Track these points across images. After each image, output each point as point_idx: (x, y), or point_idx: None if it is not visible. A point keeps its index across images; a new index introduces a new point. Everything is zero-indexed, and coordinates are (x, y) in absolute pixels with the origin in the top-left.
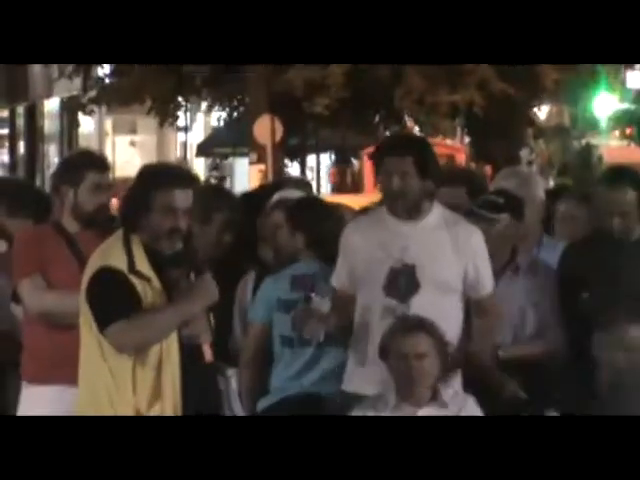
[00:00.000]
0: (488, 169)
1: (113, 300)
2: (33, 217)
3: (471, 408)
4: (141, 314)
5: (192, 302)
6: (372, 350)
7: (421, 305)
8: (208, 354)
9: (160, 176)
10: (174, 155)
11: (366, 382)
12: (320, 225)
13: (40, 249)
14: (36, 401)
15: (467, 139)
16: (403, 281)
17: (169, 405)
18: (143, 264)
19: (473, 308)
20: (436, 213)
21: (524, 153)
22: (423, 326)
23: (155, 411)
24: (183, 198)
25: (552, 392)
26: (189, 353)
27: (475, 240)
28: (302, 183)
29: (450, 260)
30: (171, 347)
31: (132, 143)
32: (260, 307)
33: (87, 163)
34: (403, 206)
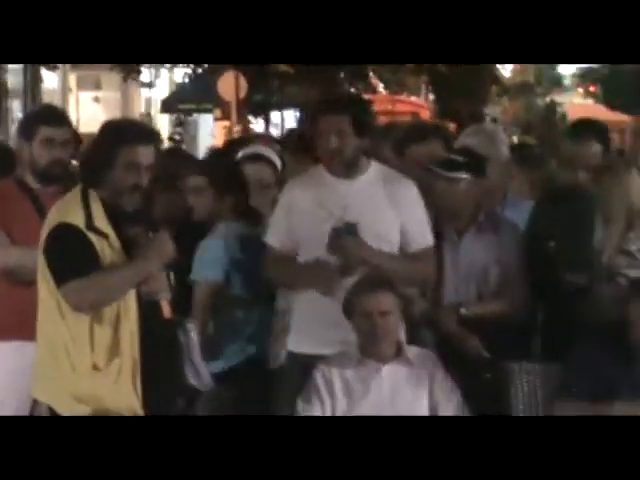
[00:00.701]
0: (452, 127)
1: (70, 257)
2: None
3: (434, 365)
4: (98, 272)
5: (149, 260)
6: (319, 309)
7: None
8: (167, 310)
9: (123, 132)
10: (138, 111)
11: (313, 342)
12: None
13: (2, 205)
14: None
15: (432, 96)
16: (346, 239)
17: (127, 361)
18: (101, 221)
19: (411, 257)
20: (373, 170)
21: (489, 110)
22: (387, 283)
23: (114, 366)
24: (146, 154)
25: (514, 349)
26: (148, 309)
27: (411, 194)
28: (269, 139)
29: (389, 215)
30: (129, 304)
31: (96, 99)
32: (209, 266)
33: (42, 118)
34: (340, 164)
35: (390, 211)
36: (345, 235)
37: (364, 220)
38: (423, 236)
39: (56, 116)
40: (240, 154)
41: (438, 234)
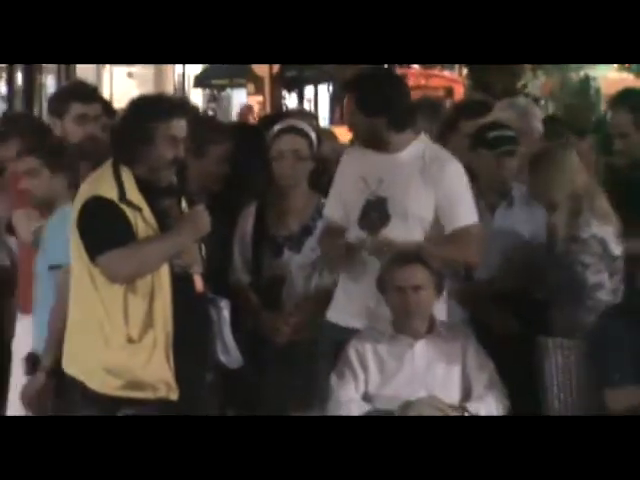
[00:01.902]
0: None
1: (104, 229)
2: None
3: (467, 341)
4: (133, 244)
5: (184, 234)
6: (351, 282)
7: (390, 237)
8: (200, 284)
9: (158, 107)
10: (171, 87)
11: (348, 314)
12: None
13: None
14: (30, 331)
15: (465, 71)
16: (375, 214)
17: (161, 334)
18: (134, 194)
19: (448, 238)
20: (416, 146)
21: (527, 85)
22: (419, 258)
23: (148, 339)
24: (180, 127)
25: (547, 324)
26: (181, 283)
27: (451, 172)
28: (305, 114)
29: (422, 193)
30: (162, 277)
31: (130, 75)
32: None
33: (73, 94)
34: (366, 140)
35: (425, 189)
36: (374, 210)
37: (395, 196)
38: (463, 215)
39: (87, 92)
40: (276, 127)
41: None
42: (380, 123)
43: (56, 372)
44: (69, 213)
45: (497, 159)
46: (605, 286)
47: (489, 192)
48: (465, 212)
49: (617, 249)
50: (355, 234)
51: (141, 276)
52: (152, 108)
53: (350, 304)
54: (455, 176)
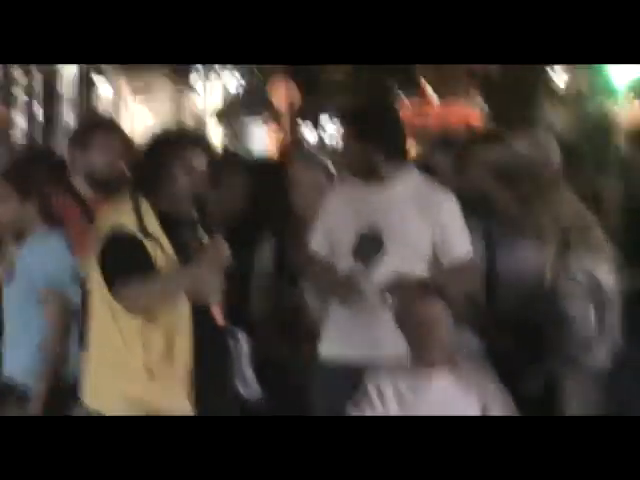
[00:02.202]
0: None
1: (123, 260)
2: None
3: (484, 372)
4: (151, 276)
5: (204, 265)
6: (346, 313)
7: (386, 270)
8: (219, 316)
9: (178, 140)
10: (191, 119)
11: (343, 345)
12: None
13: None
14: None
15: (483, 103)
16: (370, 246)
17: (180, 366)
18: (153, 226)
19: (447, 274)
20: (409, 178)
21: (547, 116)
22: (437, 291)
23: (167, 372)
24: (200, 160)
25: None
26: (200, 315)
27: (446, 204)
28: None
29: (418, 224)
30: (182, 308)
31: (149, 107)
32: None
33: (98, 126)
34: (360, 171)
35: (421, 222)
36: (369, 242)
37: (391, 228)
38: (459, 247)
39: (112, 124)
40: (295, 159)
41: (491, 241)
42: (376, 153)
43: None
44: (45, 238)
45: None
46: (590, 320)
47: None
48: (461, 244)
49: (609, 281)
50: (349, 267)
51: (158, 307)
52: (171, 141)
53: (346, 335)
54: (452, 211)
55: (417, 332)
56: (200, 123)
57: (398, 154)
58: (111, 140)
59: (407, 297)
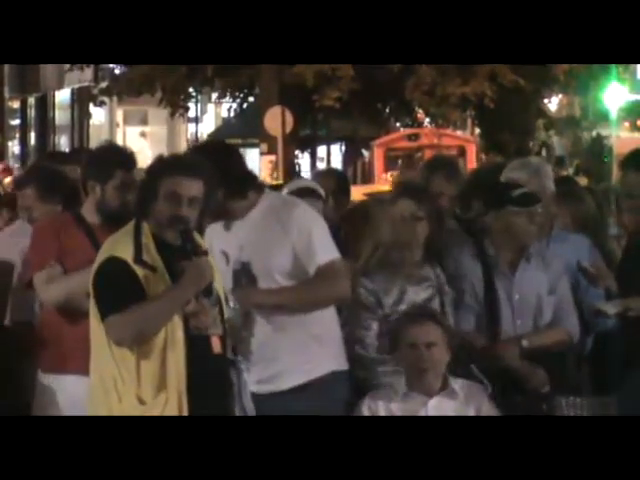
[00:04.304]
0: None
1: (113, 291)
2: (62, 204)
3: (481, 398)
4: (135, 306)
5: (185, 286)
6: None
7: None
8: (217, 346)
9: (167, 164)
10: (185, 146)
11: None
12: None
13: (59, 238)
14: (52, 390)
15: (477, 130)
16: (244, 280)
17: (173, 395)
18: (151, 254)
19: (313, 279)
20: (264, 203)
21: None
22: (432, 315)
23: (160, 400)
24: (188, 186)
25: (570, 379)
26: (197, 344)
27: (298, 214)
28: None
29: (280, 243)
30: (175, 337)
31: (143, 134)
32: None
33: (117, 161)
34: (214, 213)
35: (281, 238)
36: (242, 278)
37: (257, 256)
38: (322, 252)
39: (130, 159)
40: (289, 187)
41: (491, 268)
42: (220, 195)
43: None
44: None
45: (529, 215)
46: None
47: (509, 249)
48: (324, 249)
49: (611, 310)
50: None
51: (148, 337)
52: (161, 165)
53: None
54: (303, 217)
55: (411, 356)
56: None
57: (243, 189)
58: (131, 177)
59: (402, 320)
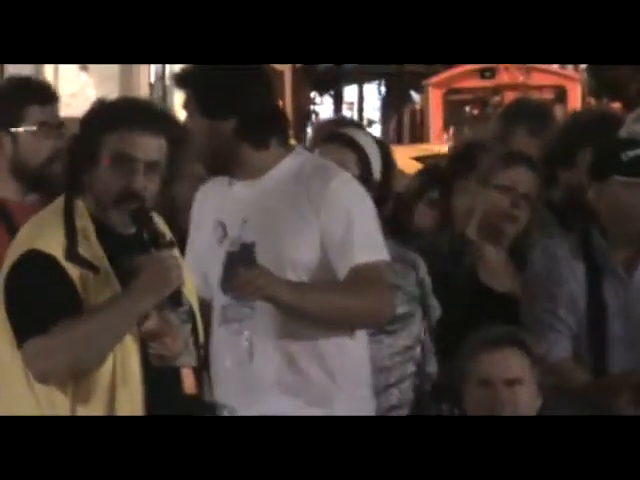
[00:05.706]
0: (616, 107)
1: (34, 303)
2: None
3: None
4: (68, 323)
5: (139, 294)
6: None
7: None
8: (190, 383)
9: (113, 112)
10: (145, 86)
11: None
12: None
13: None
14: None
15: (583, 65)
16: (241, 268)
17: None
18: (90, 246)
19: (343, 282)
20: (288, 164)
21: None
22: (517, 340)
23: None
24: (144, 146)
25: None
26: (160, 381)
27: (334, 188)
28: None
29: (301, 226)
30: (128, 370)
31: (84, 67)
32: None
33: (27, 94)
34: (215, 163)
35: (305, 218)
36: (239, 265)
37: (265, 237)
38: (364, 249)
39: (49, 93)
40: (314, 134)
41: (596, 269)
42: (231, 135)
43: None
44: None
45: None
46: None
47: (622, 240)
48: (366, 244)
49: None
50: (219, 302)
51: (85, 370)
52: (105, 115)
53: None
54: (344, 192)
55: (482, 394)
56: (160, 92)
57: (268, 133)
58: (55, 114)
59: (473, 344)
